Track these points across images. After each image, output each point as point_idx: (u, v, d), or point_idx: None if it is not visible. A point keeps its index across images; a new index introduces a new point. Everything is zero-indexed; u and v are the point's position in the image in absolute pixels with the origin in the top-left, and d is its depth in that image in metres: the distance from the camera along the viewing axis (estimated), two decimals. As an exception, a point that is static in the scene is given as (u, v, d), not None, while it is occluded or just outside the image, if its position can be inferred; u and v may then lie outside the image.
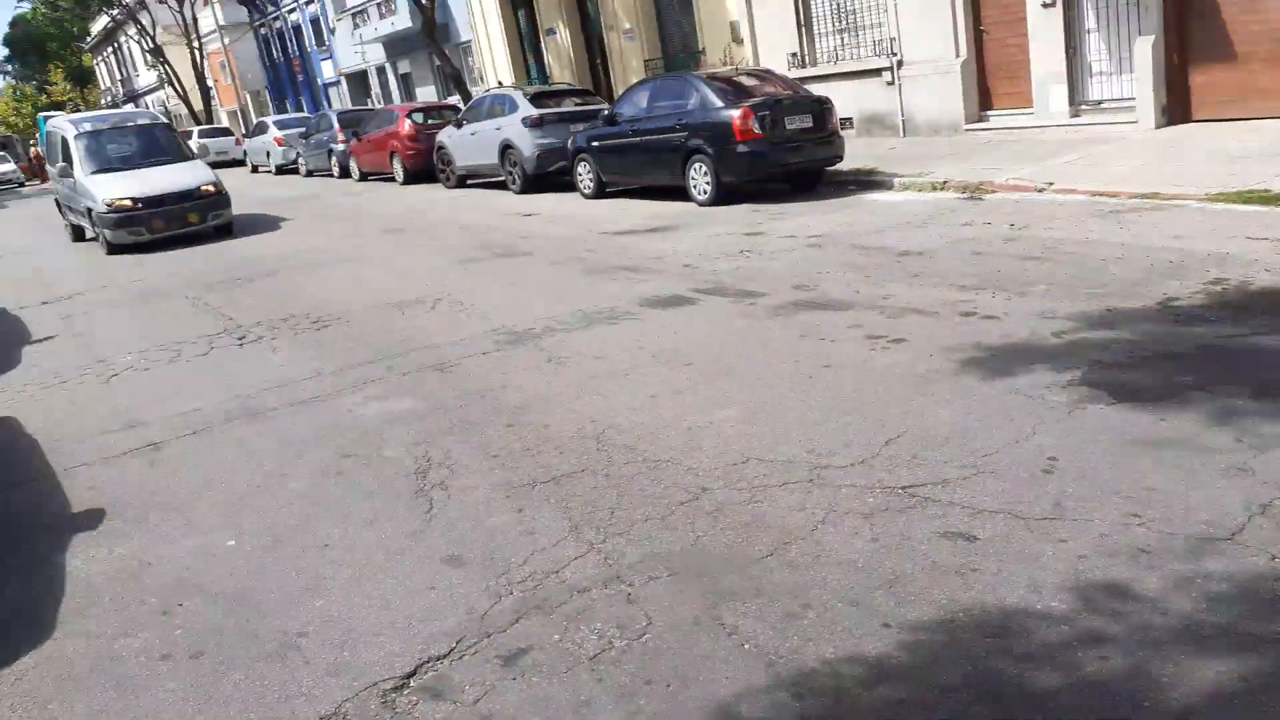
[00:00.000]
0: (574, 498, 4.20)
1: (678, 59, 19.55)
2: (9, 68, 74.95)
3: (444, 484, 4.53)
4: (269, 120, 31.66)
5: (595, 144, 13.89)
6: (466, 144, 17.28)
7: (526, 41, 25.05)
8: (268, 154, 29.29)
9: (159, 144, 15.60)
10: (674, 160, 12.38)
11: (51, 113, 57.69)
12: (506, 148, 15.94)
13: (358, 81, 35.64)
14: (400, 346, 7.08)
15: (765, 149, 11.49)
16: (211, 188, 14.59)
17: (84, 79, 72.77)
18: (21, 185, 44.15)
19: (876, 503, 3.81)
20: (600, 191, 14.15)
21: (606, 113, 13.95)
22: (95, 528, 4.53)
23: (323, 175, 25.26)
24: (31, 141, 62.69)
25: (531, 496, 4.27)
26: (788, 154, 11.73)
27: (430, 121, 19.96)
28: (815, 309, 6.75)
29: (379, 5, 29.60)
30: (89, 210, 14.40)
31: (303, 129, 27.43)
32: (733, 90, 12.09)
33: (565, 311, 7.51)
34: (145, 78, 56.09)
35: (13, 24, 67.57)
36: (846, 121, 15.39)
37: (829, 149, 12.12)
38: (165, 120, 16.88)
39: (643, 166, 13.18)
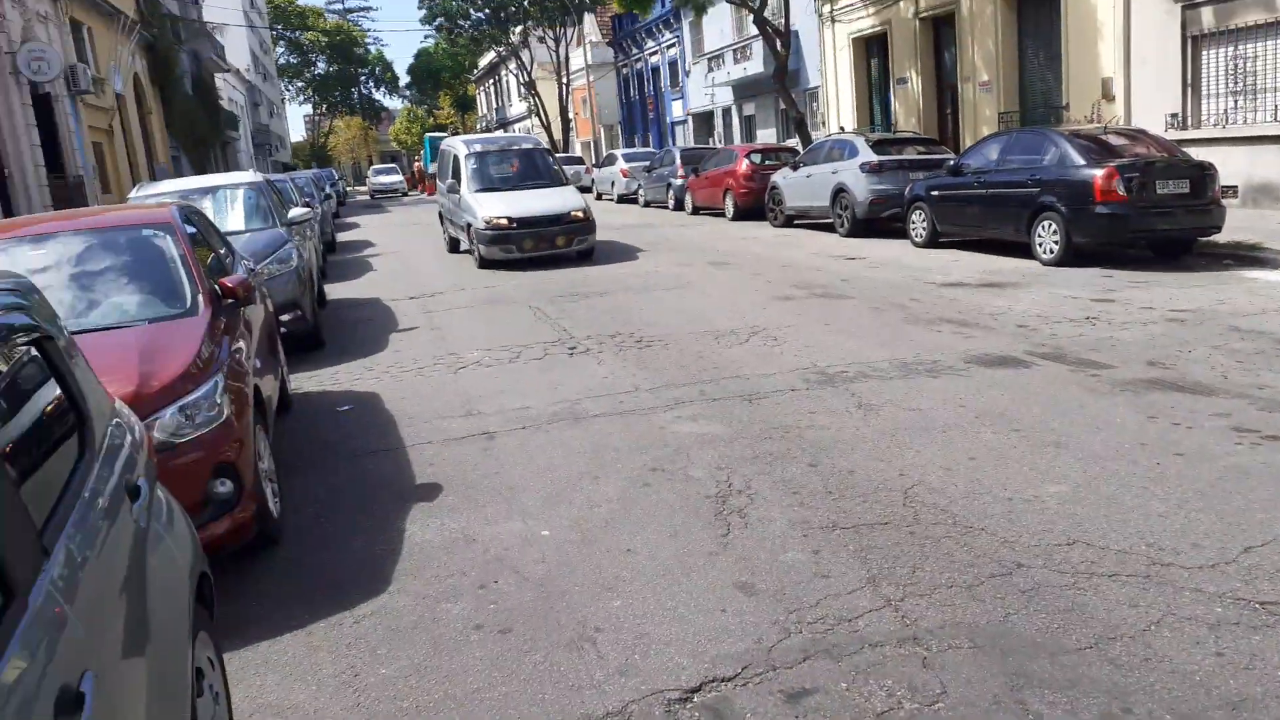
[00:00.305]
0: (874, 549, 4.05)
1: (1036, 113, 18.52)
2: (408, 93, 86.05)
3: (743, 511, 4.54)
4: (618, 153, 33.86)
5: (934, 193, 13.49)
6: (800, 185, 17.45)
7: (875, 89, 24.88)
8: (612, 183, 31.31)
9: (538, 168, 16.13)
10: (1020, 215, 11.72)
11: (436, 134, 65.77)
12: (839, 191, 15.90)
13: (703, 121, 37.21)
14: (713, 373, 7.24)
15: (1129, 212, 10.55)
16: (580, 214, 14.76)
17: (466, 106, 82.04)
18: (404, 195, 50.76)
19: (1226, 614, 3.32)
20: (932, 241, 13.70)
21: (952, 163, 13.52)
22: (432, 500, 5.02)
23: (658, 207, 26.58)
24: (415, 157, 71.68)
25: (829, 540, 4.17)
26: (1155, 219, 10.70)
27: (767, 162, 20.38)
28: (1171, 390, 6.06)
29: (735, 50, 30.74)
30: (468, 225, 14.98)
31: (647, 163, 29.05)
32: (1097, 149, 11.24)
33: (882, 358, 7.31)
34: (516, 108, 62.21)
35: (416, 56, 77.61)
36: (1229, 190, 13.76)
37: (1206, 218, 10.91)
38: (545, 146, 17.46)
39: (984, 219, 12.60)
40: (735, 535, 4.28)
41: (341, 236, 24.07)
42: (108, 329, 4.50)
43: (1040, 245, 11.49)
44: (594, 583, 3.91)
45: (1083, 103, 17.05)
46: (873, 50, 24.61)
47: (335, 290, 13.59)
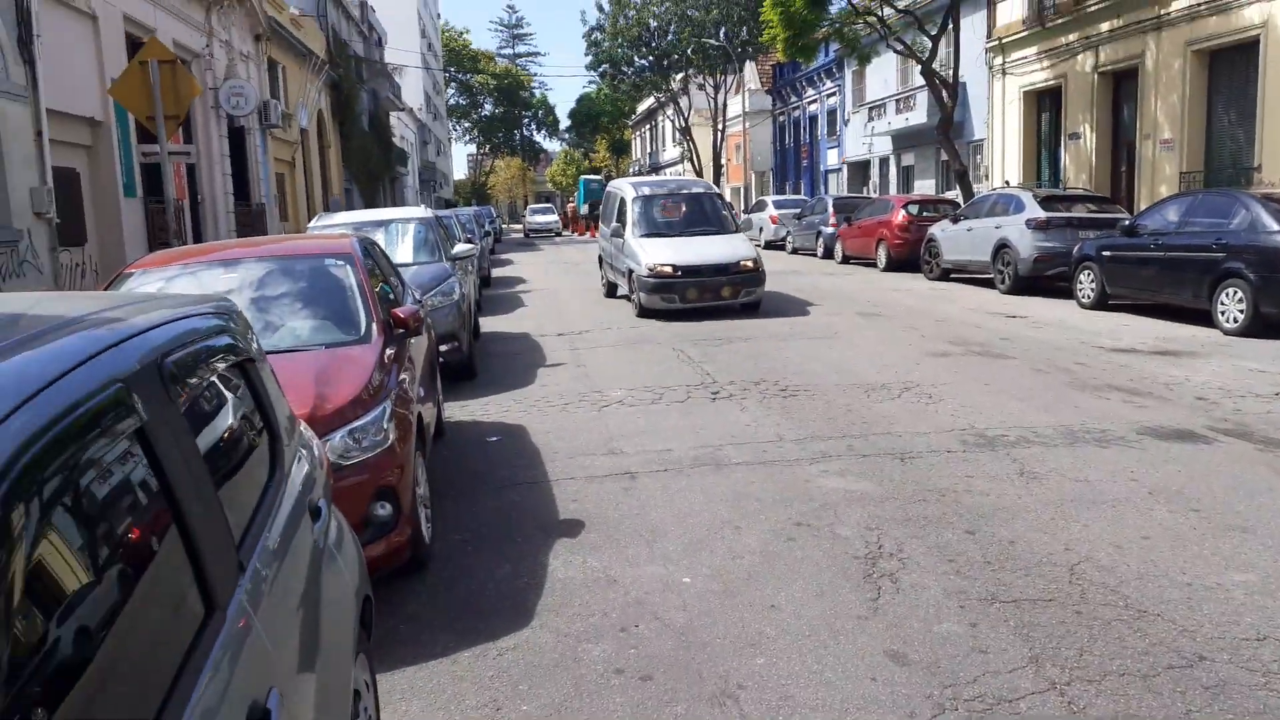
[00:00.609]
0: (1037, 626, 3.81)
1: (1223, 175, 17.44)
2: (566, 136, 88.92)
3: (894, 576, 4.36)
4: (768, 199, 33.86)
5: (1106, 253, 12.84)
6: (959, 238, 16.95)
7: (1044, 143, 24.01)
8: (760, 229, 31.28)
9: (707, 214, 15.21)
10: (1201, 281, 11.00)
11: (590, 176, 67.65)
12: (1002, 246, 15.35)
13: (858, 170, 36.80)
14: (862, 428, 7.04)
15: (1325, 282, 9.75)
16: (749, 264, 13.73)
17: (621, 150, 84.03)
18: (558, 234, 51.71)
19: None
20: (1101, 303, 13.02)
21: (1127, 223, 12.86)
22: (575, 536, 5.05)
23: (806, 254, 26.35)
24: (569, 198, 73.83)
25: (988, 613, 3.95)
26: (1355, 291, 9.84)
27: (924, 214, 19.92)
28: (1376, 478, 5.51)
29: (898, 100, 30.35)
30: (629, 271, 14.15)
31: (798, 210, 28.91)
32: (1296, 213, 10.46)
33: (1045, 423, 6.95)
34: (670, 153, 63.24)
35: (578, 100, 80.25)
36: None
37: None
38: (717, 191, 16.36)
39: (1159, 283, 11.89)
40: (886, 600, 4.11)
41: (496, 272, 24.90)
42: (288, 351, 4.75)
43: (1223, 313, 10.74)
44: (737, 637, 3.82)
45: (1277, 165, 15.94)
46: (1044, 104, 23.80)
47: (488, 323, 14.01)
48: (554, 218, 54.10)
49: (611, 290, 16.42)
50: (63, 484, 1.28)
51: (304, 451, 2.64)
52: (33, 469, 1.21)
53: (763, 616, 3.99)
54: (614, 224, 15.47)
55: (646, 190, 15.59)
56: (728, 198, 48.02)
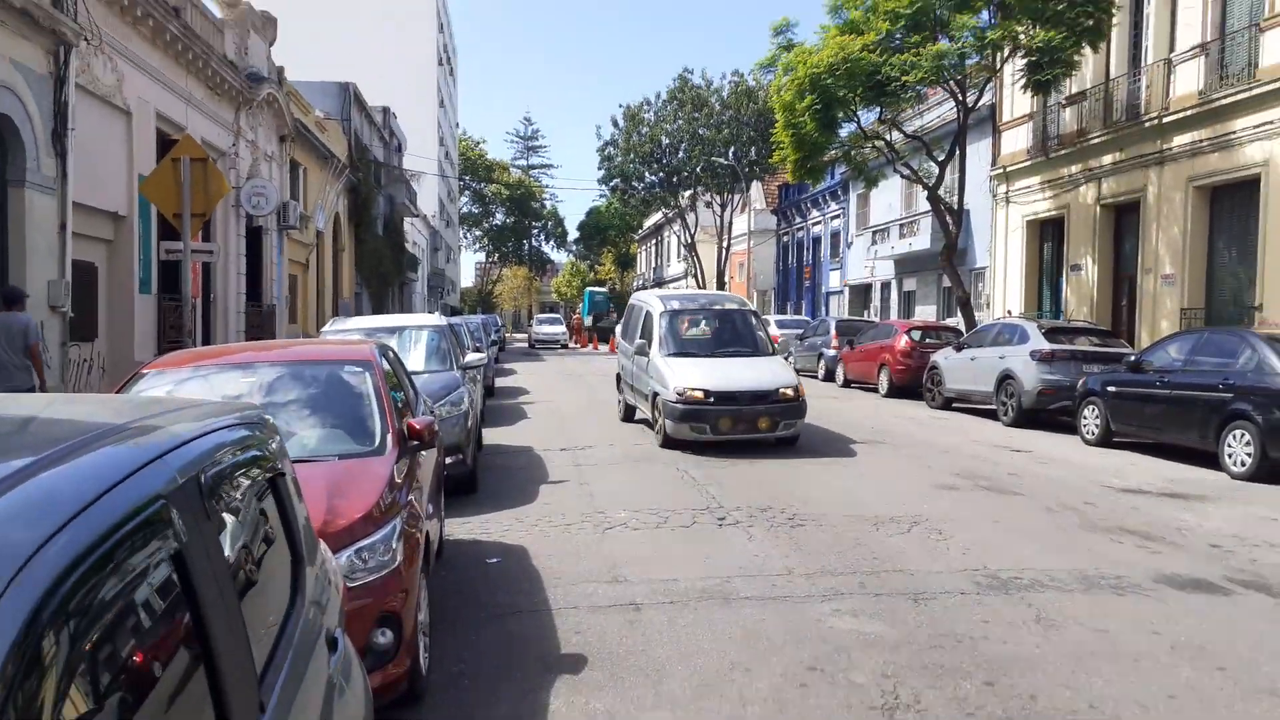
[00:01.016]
0: (1063, 796, 3.62)
1: (1225, 311, 17.65)
2: (574, 248, 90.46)
3: (912, 731, 4.18)
4: (771, 319, 34.21)
5: (1110, 389, 12.87)
6: (962, 367, 17.02)
7: (1046, 273, 24.38)
8: (765, 347, 31.50)
9: (740, 333, 13.77)
10: (1208, 422, 10.98)
11: (595, 288, 68.51)
12: (1006, 378, 15.40)
13: (860, 293, 37.30)
14: (873, 563, 6.89)
15: (1334, 428, 9.71)
16: (790, 391, 12.18)
17: (626, 264, 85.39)
18: (564, 346, 49.69)
19: None
20: (1105, 440, 12.97)
21: (1133, 359, 12.94)
22: (577, 673, 4.86)
23: (807, 375, 26.37)
24: (574, 309, 74.55)
25: (1011, 778, 3.76)
26: (1365, 438, 9.79)
27: (927, 340, 20.07)
28: (1404, 642, 5.35)
29: (902, 225, 30.99)
30: (654, 395, 12.72)
31: (800, 330, 29.16)
32: (1302, 356, 10.50)
33: (1059, 566, 6.80)
34: (674, 268, 64.28)
35: (588, 213, 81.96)
36: None
37: None
38: (752, 308, 14.96)
39: (1166, 422, 11.87)
40: (903, 758, 3.92)
41: (500, 382, 24.95)
42: (300, 461, 4.68)
43: (1230, 456, 10.68)
44: (748, 794, 3.62)
45: (1279, 303, 16.13)
46: (1047, 234, 24.27)
47: (491, 435, 13.93)
48: (561, 329, 52.54)
49: (629, 414, 15.07)
50: (100, 611, 1.19)
51: (323, 575, 2.54)
52: (73, 594, 1.12)
53: (775, 772, 3.80)
54: (637, 340, 14.05)
55: (675, 304, 14.14)
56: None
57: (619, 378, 15.90)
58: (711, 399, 11.98)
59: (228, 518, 1.80)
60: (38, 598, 1.05)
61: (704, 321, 13.95)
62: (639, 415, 14.46)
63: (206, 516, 1.63)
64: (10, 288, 10.13)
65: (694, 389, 12.06)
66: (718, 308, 14.30)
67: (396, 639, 4.06)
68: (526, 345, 52.40)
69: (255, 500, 2.10)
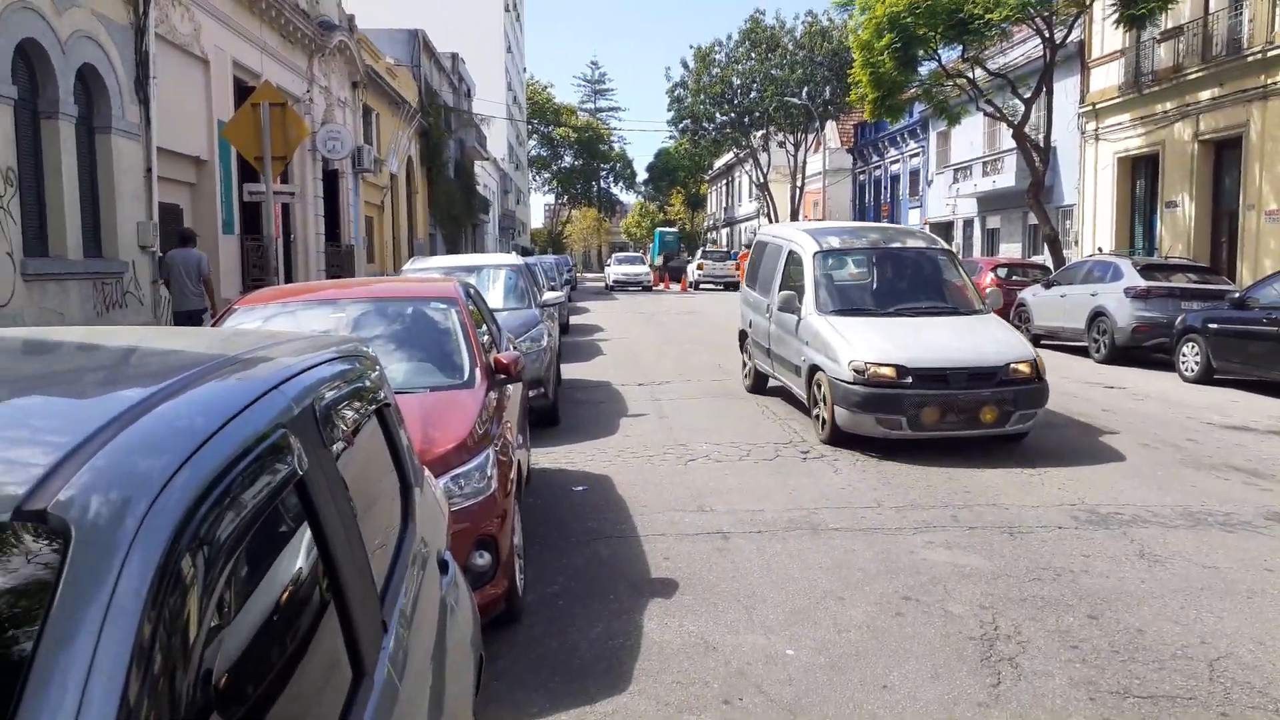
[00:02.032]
0: (1179, 728, 3.50)
1: (1330, 245, 16.74)
2: (643, 189, 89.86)
3: (1014, 660, 4.08)
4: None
5: (1212, 326, 12.32)
6: (1051, 304, 16.49)
7: (1139, 211, 23.39)
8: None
9: (932, 282, 9.90)
10: (1318, 358, 10.51)
11: (666, 228, 67.89)
12: (1098, 315, 14.86)
13: (941, 231, 36.28)
14: (964, 498, 6.73)
15: None
16: (1025, 367, 8.33)
17: (696, 204, 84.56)
18: (647, 289, 43.07)
19: None
20: (1206, 377, 12.45)
21: (1237, 296, 12.34)
22: (669, 597, 4.86)
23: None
24: (643, 249, 74.12)
25: (1122, 709, 3.65)
26: None
27: (1013, 277, 19.46)
28: None
29: (985, 162, 29.98)
30: (813, 369, 8.99)
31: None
32: None
33: (1162, 502, 6.56)
34: (746, 208, 63.42)
35: (657, 155, 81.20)
36: None
37: None
38: (945, 246, 11.00)
39: (1274, 360, 11.33)
40: (1007, 687, 3.83)
41: (574, 319, 25.02)
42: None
43: (1343, 393, 10.20)
44: (849, 718, 3.58)
45: (1393, 238, 15.21)
46: (1139, 170, 23.23)
47: (568, 370, 13.98)
48: (643, 269, 45.35)
49: (760, 384, 11.56)
50: (233, 535, 1.18)
51: (430, 499, 2.53)
52: (206, 519, 1.12)
53: (875, 697, 3.74)
54: (779, 293, 10.19)
55: (835, 241, 10.14)
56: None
57: (743, 336, 12.21)
58: (909, 379, 8.12)
59: (342, 446, 1.79)
60: (176, 521, 1.06)
61: (882, 267, 10.06)
62: (777, 386, 11.01)
63: (323, 444, 1.63)
64: (185, 229, 11.87)
65: (882, 364, 8.22)
66: (897, 246, 10.21)
67: (494, 561, 4.08)
68: (604, 288, 45.02)
69: (364, 429, 2.09)
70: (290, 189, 15.09)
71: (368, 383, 2.15)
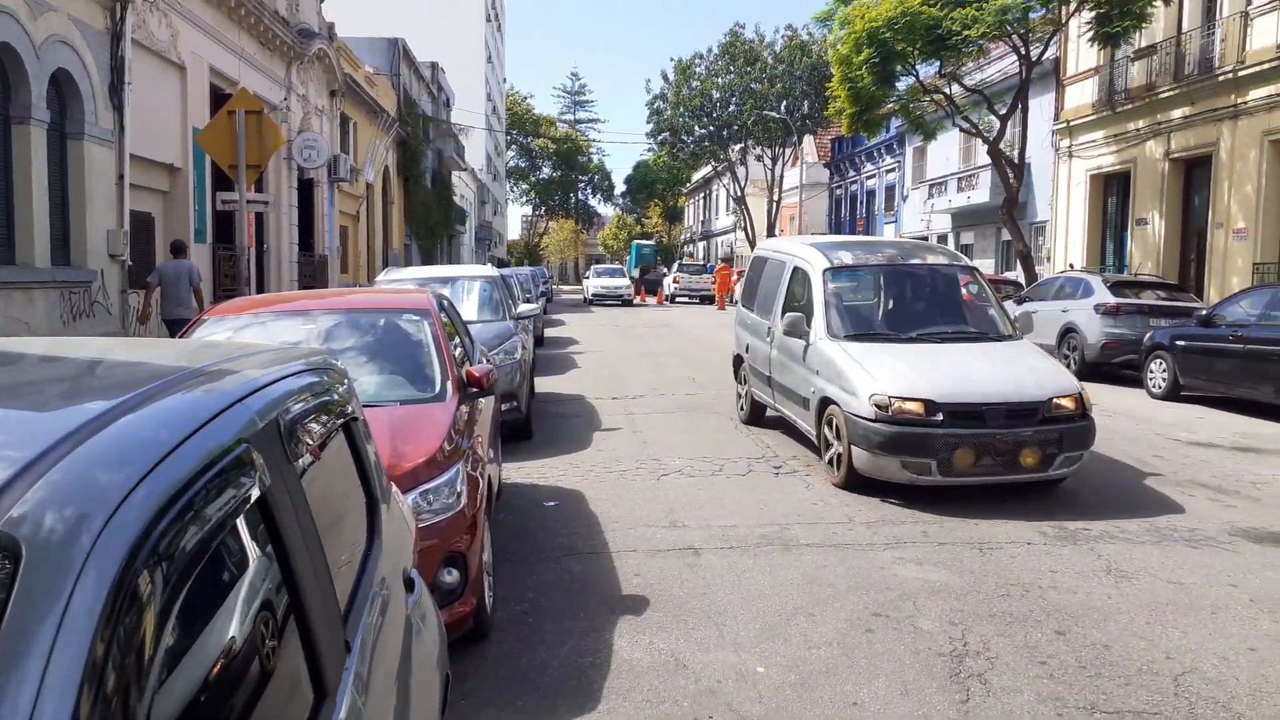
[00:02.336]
0: (1143, 745, 3.53)
1: (1299, 265, 17.02)
2: (621, 201, 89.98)
3: (983, 677, 4.10)
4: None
5: (1180, 343, 12.48)
6: (1024, 321, 16.60)
7: (1110, 228, 23.70)
8: (816, 301, 31.15)
9: (958, 305, 8.91)
10: (1283, 376, 10.70)
11: (643, 241, 67.90)
12: (1068, 331, 15.03)
13: (913, 246, 36.66)
14: (934, 513, 6.76)
15: None
16: (1069, 401, 7.35)
17: (674, 217, 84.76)
18: (628, 303, 41.60)
19: None
20: (1173, 394, 12.61)
21: (1204, 313, 12.52)
22: (639, 614, 4.84)
23: (863, 328, 26.09)
24: (618, 261, 74.07)
25: (1088, 726, 3.67)
26: None
27: (986, 293, 19.64)
28: None
29: (960, 178, 30.27)
30: (822, 404, 7.97)
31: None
32: (1383, 308, 9.99)
33: (1130, 518, 6.63)
34: (723, 221, 63.68)
35: (635, 167, 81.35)
36: None
37: None
38: (969, 263, 9.84)
39: (1238, 377, 11.50)
40: (976, 703, 3.84)
41: (549, 332, 24.99)
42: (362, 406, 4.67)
43: (1307, 410, 10.38)
44: (818, 735, 3.58)
45: (1356, 259, 15.50)
46: (1111, 188, 23.54)
47: (542, 384, 13.94)
48: (624, 282, 43.12)
49: (757, 415, 10.44)
50: (191, 552, 1.17)
51: (397, 515, 2.51)
52: (165, 535, 1.10)
53: (845, 714, 3.75)
54: (784, 315, 9.05)
55: (847, 257, 9.08)
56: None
57: (739, 361, 10.99)
58: (939, 416, 7.06)
59: (306, 460, 1.78)
60: (133, 538, 1.05)
61: (898, 285, 9.04)
62: (771, 414, 10.13)
63: (287, 459, 1.62)
64: (176, 240, 12.49)
65: (908, 398, 7.17)
66: (916, 262, 9.13)
67: (462, 578, 4.06)
68: (583, 301, 43.38)
69: (331, 444, 2.07)
70: (264, 198, 15.00)
71: (335, 396, 2.14)
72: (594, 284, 43.16)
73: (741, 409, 10.81)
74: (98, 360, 1.91)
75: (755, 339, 10.20)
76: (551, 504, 7.06)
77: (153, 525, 1.08)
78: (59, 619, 0.92)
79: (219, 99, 14.98)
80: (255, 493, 1.40)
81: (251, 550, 1.40)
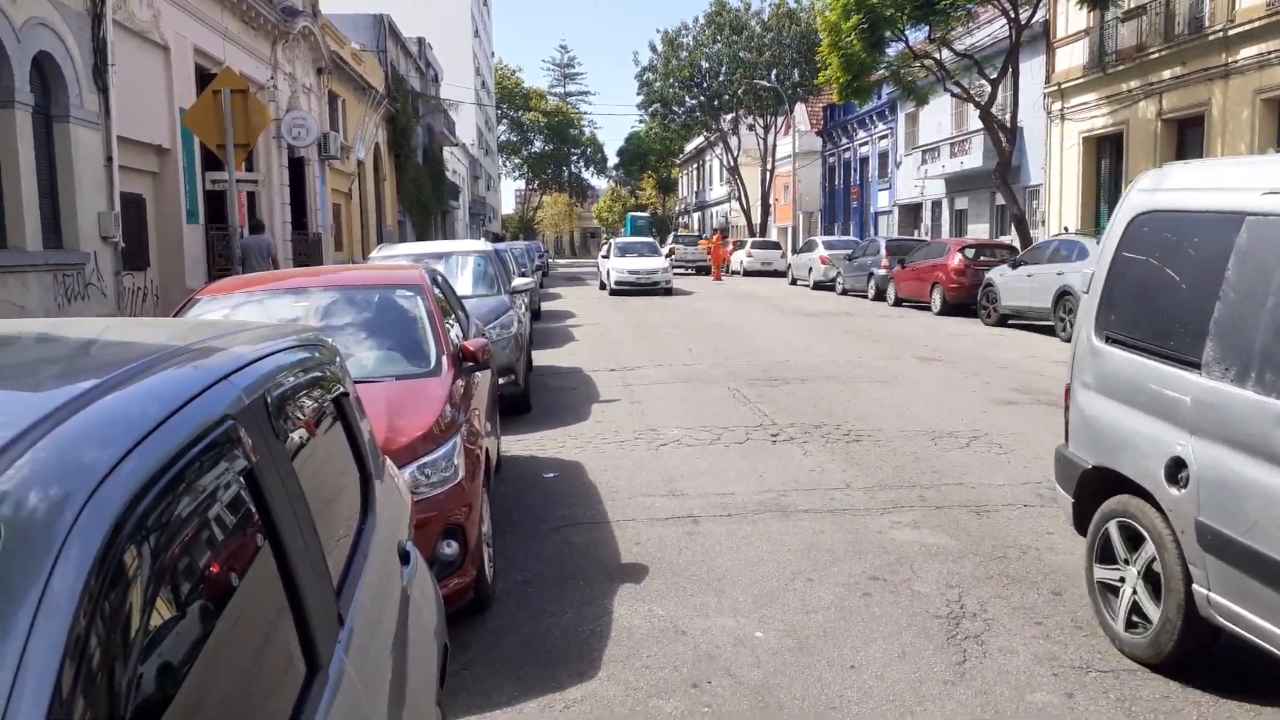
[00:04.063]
0: (1138, 700, 3.58)
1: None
2: (614, 173, 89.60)
3: (979, 638, 4.13)
4: (818, 239, 33.65)
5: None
6: (1018, 284, 16.66)
7: (1104, 190, 23.63)
8: (809, 270, 31.07)
9: None
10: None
11: (638, 212, 67.72)
12: (1064, 293, 15.03)
13: (909, 212, 36.53)
14: (932, 477, 6.80)
15: None
16: None
17: (668, 188, 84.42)
18: (669, 292, 30.56)
19: None
20: (1168, 355, 12.61)
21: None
22: (639, 582, 4.87)
23: (857, 295, 26.07)
24: (606, 236, 73.58)
25: (1084, 682, 3.71)
26: None
27: (981, 257, 19.64)
28: None
29: (953, 143, 30.13)
30: None
31: (848, 251, 28.66)
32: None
33: (1125, 480, 6.66)
34: (717, 191, 63.42)
35: (627, 139, 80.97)
36: None
37: None
38: None
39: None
40: (973, 664, 3.88)
41: (545, 306, 24.95)
42: (358, 382, 4.67)
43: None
44: (816, 699, 3.62)
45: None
46: (1104, 150, 23.43)
47: (539, 357, 13.94)
48: (661, 262, 28.68)
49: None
50: (177, 528, 1.17)
51: (391, 488, 2.52)
52: (149, 511, 1.10)
53: (843, 678, 3.78)
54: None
55: None
56: (775, 236, 47.81)
57: (1089, 493, 4.40)
58: None
59: (296, 437, 1.77)
60: (116, 514, 1.04)
61: None
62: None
63: (275, 436, 1.62)
64: (255, 219, 14.48)
65: None
66: None
67: (462, 550, 4.08)
68: (601, 289, 30.21)
69: (321, 420, 2.07)
70: (254, 177, 14.91)
71: (325, 372, 2.13)
72: (617, 267, 27.95)
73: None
74: (90, 340, 1.91)
75: (1205, 442, 3.52)
76: (551, 475, 7.09)
77: (136, 501, 1.08)
78: (39, 597, 0.92)
79: (205, 79, 14.83)
80: (242, 469, 1.40)
81: (240, 526, 1.40)
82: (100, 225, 11.90)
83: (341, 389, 2.22)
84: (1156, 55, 20.13)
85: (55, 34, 10.91)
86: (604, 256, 31.42)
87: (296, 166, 21.32)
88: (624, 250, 29.92)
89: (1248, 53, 17.65)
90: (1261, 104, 17.52)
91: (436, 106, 43.33)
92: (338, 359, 2.33)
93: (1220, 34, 18.19)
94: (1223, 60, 18.31)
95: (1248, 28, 17.47)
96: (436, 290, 5.68)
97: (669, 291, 27.06)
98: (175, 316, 5.34)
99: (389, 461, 2.79)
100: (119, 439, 1.15)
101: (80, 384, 1.29)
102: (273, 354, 1.80)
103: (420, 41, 41.44)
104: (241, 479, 1.40)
